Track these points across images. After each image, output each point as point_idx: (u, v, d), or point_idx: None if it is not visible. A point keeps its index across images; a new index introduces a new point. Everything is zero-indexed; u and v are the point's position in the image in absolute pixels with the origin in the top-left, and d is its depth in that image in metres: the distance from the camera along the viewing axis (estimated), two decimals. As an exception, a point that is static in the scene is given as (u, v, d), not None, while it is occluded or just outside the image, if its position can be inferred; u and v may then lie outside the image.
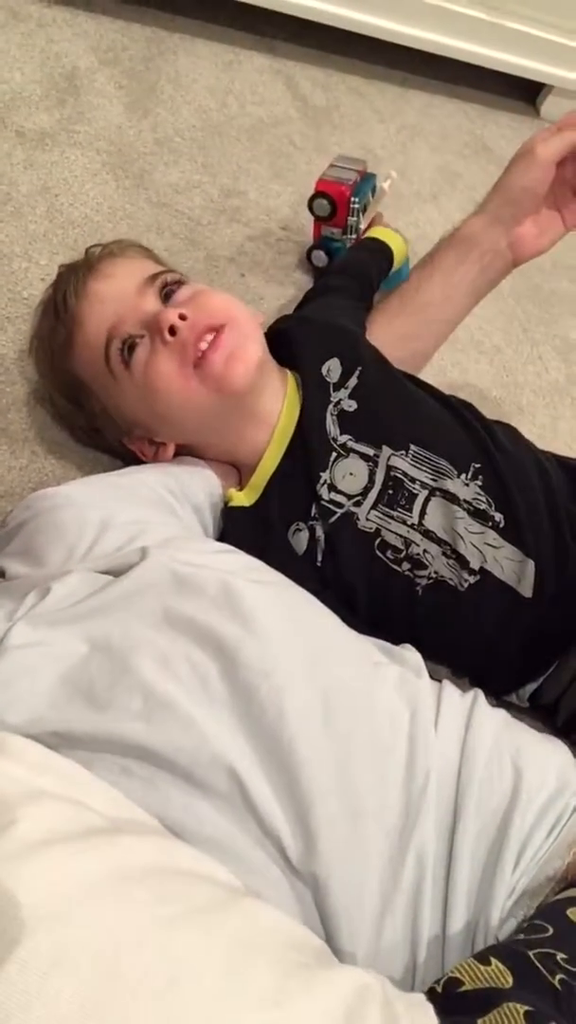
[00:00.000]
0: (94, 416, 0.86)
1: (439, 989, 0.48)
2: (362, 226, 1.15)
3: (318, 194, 1.12)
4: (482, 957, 0.49)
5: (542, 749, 0.69)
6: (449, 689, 0.71)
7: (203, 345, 0.78)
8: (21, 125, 1.15)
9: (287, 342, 0.88)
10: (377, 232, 1.15)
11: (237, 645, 0.61)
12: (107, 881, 0.43)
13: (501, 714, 0.72)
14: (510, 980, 0.47)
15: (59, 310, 0.84)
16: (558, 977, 0.48)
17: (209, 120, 1.32)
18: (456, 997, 0.47)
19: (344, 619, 0.79)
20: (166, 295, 0.82)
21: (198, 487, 0.84)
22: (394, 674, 0.68)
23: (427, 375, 1.00)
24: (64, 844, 0.43)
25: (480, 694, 0.72)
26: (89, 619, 0.64)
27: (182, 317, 0.78)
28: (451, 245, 0.94)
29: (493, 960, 0.49)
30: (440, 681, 0.75)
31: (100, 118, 1.22)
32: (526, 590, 0.80)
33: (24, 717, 0.57)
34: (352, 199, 1.11)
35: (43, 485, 0.89)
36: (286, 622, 0.66)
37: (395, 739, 0.63)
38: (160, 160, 1.22)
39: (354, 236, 1.15)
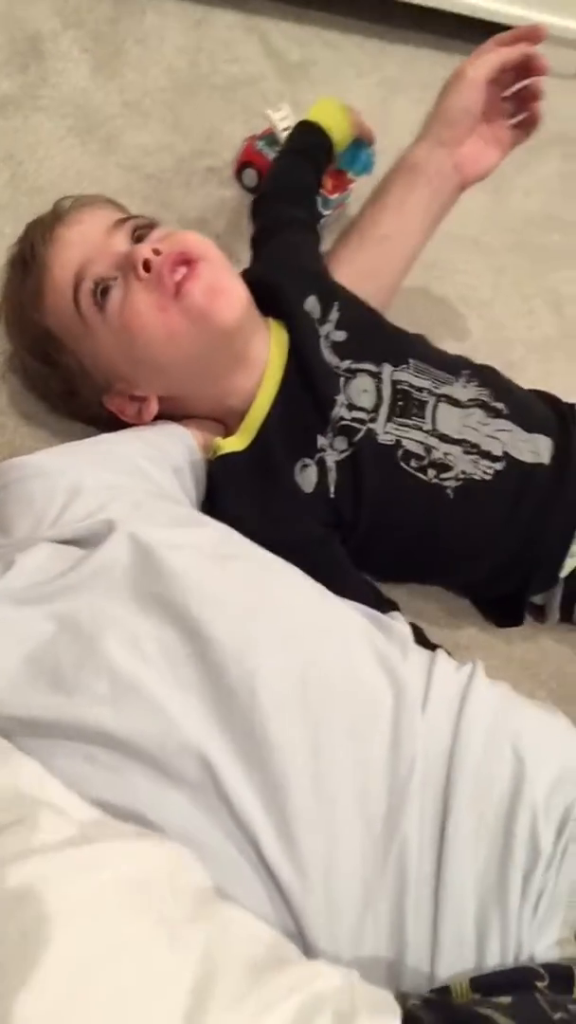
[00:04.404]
0: (70, 375, 0.83)
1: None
2: None
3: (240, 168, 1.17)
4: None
5: (544, 728, 0.65)
6: (442, 664, 0.67)
7: (177, 276, 0.74)
8: (-18, 92, 1.12)
9: (263, 287, 0.85)
10: (314, 111, 1.06)
11: (207, 626, 0.58)
12: (83, 896, 0.41)
13: (500, 690, 0.68)
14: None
15: (27, 260, 0.81)
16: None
17: (179, 80, 1.27)
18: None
19: (363, 558, 0.80)
20: (138, 239, 0.79)
21: (176, 449, 0.81)
22: (378, 650, 0.65)
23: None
24: (44, 856, 0.41)
25: (479, 667, 0.68)
26: (56, 598, 0.61)
27: (156, 252, 0.75)
28: (399, 175, 0.94)
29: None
30: (435, 650, 0.71)
31: (65, 82, 1.18)
32: (547, 460, 0.84)
33: None
34: (257, 144, 1.13)
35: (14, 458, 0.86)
36: (260, 600, 0.63)
37: (377, 722, 0.60)
38: (129, 123, 1.18)
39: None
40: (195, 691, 0.57)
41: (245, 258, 1.11)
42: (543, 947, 0.56)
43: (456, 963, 0.55)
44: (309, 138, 1.03)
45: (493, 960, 0.55)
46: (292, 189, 1.02)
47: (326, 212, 1.13)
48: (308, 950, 0.54)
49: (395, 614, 0.75)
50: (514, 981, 0.52)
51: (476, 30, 1.59)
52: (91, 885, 0.41)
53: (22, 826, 0.42)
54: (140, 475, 0.76)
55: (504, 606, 0.91)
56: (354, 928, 0.55)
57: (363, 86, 1.44)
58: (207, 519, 0.74)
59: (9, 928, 0.37)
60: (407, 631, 0.71)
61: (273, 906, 0.54)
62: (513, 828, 0.58)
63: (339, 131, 1.04)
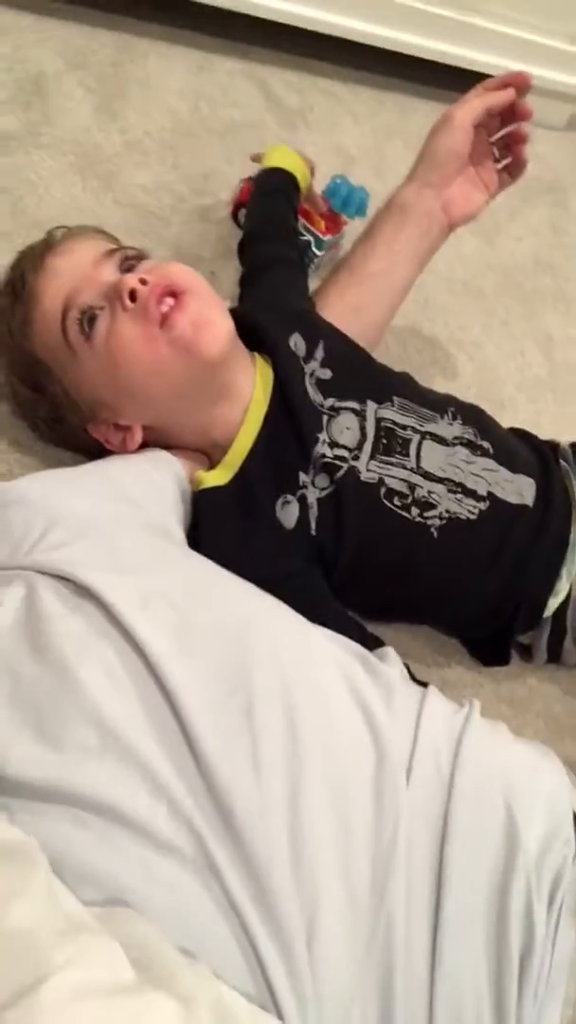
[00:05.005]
0: (56, 402, 0.83)
1: None
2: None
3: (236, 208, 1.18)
4: None
5: (534, 776, 0.64)
6: (433, 707, 0.65)
7: (164, 308, 0.75)
8: (-15, 128, 1.14)
9: (248, 324, 0.85)
10: (272, 158, 1.11)
11: (180, 695, 0.55)
12: None
13: (496, 736, 0.66)
14: None
15: (16, 287, 0.81)
16: None
17: (180, 122, 1.30)
18: None
19: (348, 595, 0.80)
20: (127, 269, 0.79)
21: (163, 476, 0.80)
22: (362, 701, 0.62)
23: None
24: (99, 1001, 0.39)
25: (475, 709, 0.66)
26: (31, 639, 0.58)
27: (143, 282, 0.75)
28: (388, 215, 0.96)
29: None
30: (426, 686, 0.70)
31: (67, 121, 1.20)
32: (531, 502, 0.85)
33: None
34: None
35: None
36: (233, 656, 0.60)
37: (357, 786, 0.58)
38: (129, 161, 1.20)
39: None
40: (179, 755, 0.54)
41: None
42: None
43: None
44: (276, 178, 1.09)
45: None
46: (274, 226, 1.05)
47: (320, 252, 1.15)
48: None
49: (385, 651, 0.74)
50: None
51: (469, 80, 1.64)
52: None
53: (84, 962, 0.40)
54: (125, 502, 0.75)
55: (491, 645, 0.91)
56: (341, 1014, 0.52)
57: (359, 132, 1.47)
58: (183, 553, 0.72)
59: None
60: (394, 673, 0.69)
61: (257, 989, 0.51)
62: (507, 907, 0.56)
63: (298, 170, 1.10)
